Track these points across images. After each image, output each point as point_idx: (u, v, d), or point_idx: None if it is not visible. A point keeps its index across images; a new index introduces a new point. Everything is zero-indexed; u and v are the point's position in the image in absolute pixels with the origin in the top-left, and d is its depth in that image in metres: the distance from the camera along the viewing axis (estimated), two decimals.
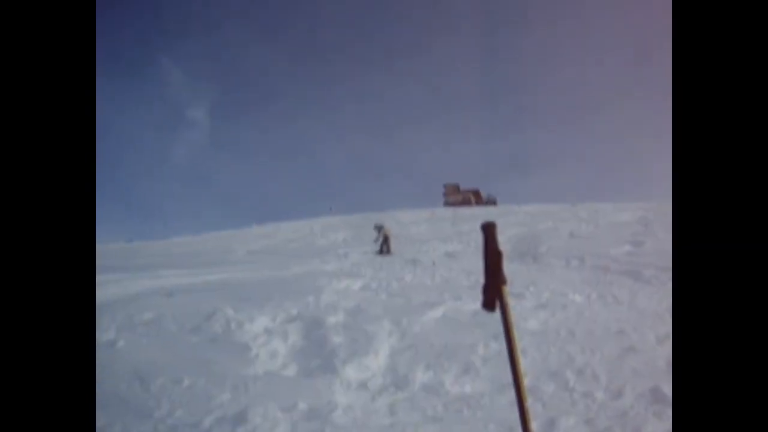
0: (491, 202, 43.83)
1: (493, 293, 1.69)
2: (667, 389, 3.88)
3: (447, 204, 41.84)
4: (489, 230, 1.71)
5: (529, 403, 4.07)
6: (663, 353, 4.65)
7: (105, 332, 5.45)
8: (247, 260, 14.46)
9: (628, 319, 5.73)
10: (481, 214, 27.31)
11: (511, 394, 4.23)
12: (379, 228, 15.88)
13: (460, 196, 43.66)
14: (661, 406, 3.71)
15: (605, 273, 9.30)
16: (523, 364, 4.80)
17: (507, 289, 1.71)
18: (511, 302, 6.17)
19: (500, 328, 5.78)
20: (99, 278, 6.54)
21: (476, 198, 44.59)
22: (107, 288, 7.88)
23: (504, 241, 13.04)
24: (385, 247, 15.32)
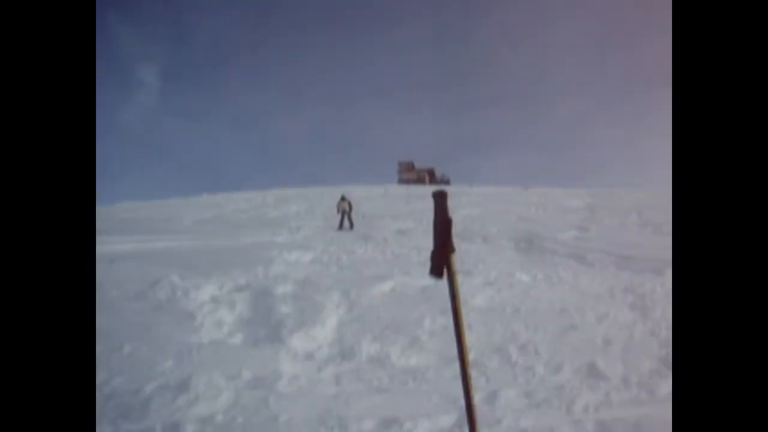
0: (445, 181, 44.24)
1: (441, 260, 1.69)
2: (602, 364, 4.04)
3: (401, 181, 42.01)
4: (440, 198, 1.71)
5: (474, 376, 4.19)
6: (601, 331, 4.84)
7: None
8: (196, 229, 14.12)
9: (571, 299, 5.91)
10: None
11: (456, 367, 4.32)
12: (342, 199, 15.42)
13: (414, 174, 43.89)
14: (595, 379, 3.87)
15: (552, 255, 9.57)
16: (469, 339, 4.91)
17: (455, 258, 1.72)
18: (459, 277, 6.26)
19: (447, 304, 5.87)
20: None
21: (430, 177, 44.91)
22: None
23: (457, 221, 13.24)
24: (347, 222, 14.81)
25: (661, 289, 6.25)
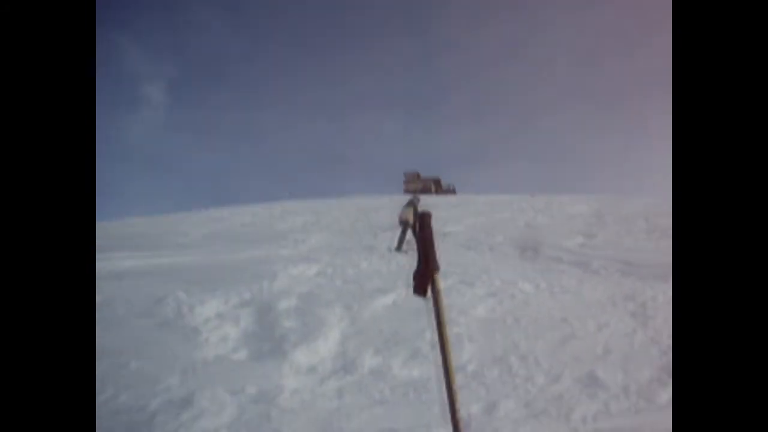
0: (451, 191, 44.26)
1: (425, 279, 1.76)
2: (602, 373, 4.08)
3: (407, 191, 42.06)
4: (424, 219, 1.78)
5: (473, 387, 4.23)
6: (601, 340, 4.87)
7: None
8: (202, 243, 14.24)
9: (572, 308, 5.94)
10: (440, 202, 27.56)
11: (456, 379, 4.36)
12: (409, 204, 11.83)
13: (420, 184, 43.92)
14: (594, 389, 3.90)
15: (557, 263, 9.58)
16: (469, 349, 4.94)
17: (439, 277, 1.78)
18: (462, 287, 6.26)
19: (448, 315, 5.89)
20: None
21: (436, 186, 44.95)
22: None
23: (462, 229, 13.13)
24: (411, 236, 11.14)
25: (662, 296, 6.25)
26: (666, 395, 3.77)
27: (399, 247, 11.54)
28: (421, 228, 1.80)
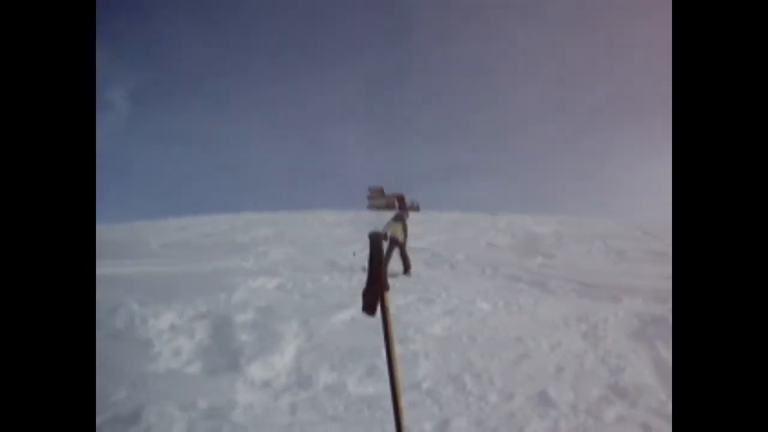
0: (414, 208, 44.45)
1: (373, 299, 1.78)
2: (553, 392, 4.16)
3: (371, 207, 42.09)
4: (375, 240, 1.81)
5: (427, 405, 4.25)
6: (554, 359, 4.97)
7: None
8: (161, 253, 13.94)
9: (528, 327, 6.05)
10: None
11: (410, 396, 4.37)
12: (395, 220, 10.72)
13: (384, 200, 44.01)
14: (545, 407, 3.97)
15: (516, 282, 9.73)
16: (425, 367, 4.96)
17: (388, 296, 1.81)
18: (420, 306, 6.29)
19: (405, 332, 5.93)
20: None
21: (400, 203, 45.07)
22: None
23: (424, 246, 13.14)
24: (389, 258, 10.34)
25: (613, 317, 6.44)
26: (612, 413, 3.88)
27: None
28: (371, 249, 1.83)
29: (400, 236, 10.33)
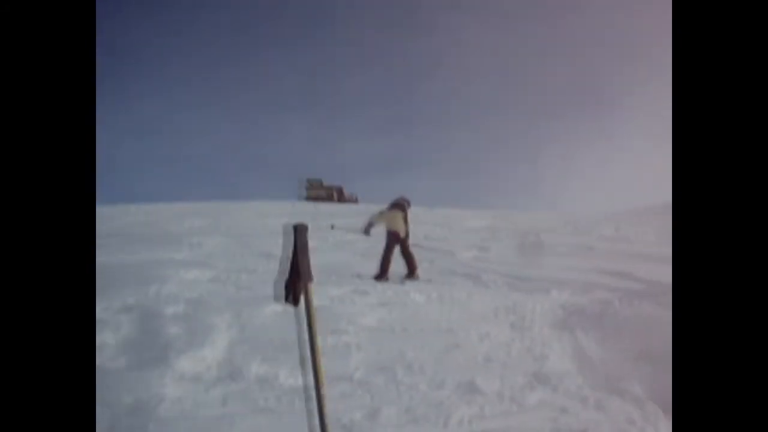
0: (352, 200, 44.56)
1: (297, 290, 1.81)
2: (480, 381, 4.31)
3: (309, 198, 41.86)
4: (300, 231, 1.83)
5: (359, 394, 4.30)
6: (482, 349, 5.15)
7: None
8: None
9: (459, 319, 6.22)
10: (342, 211, 27.72)
11: (342, 386, 4.42)
12: (400, 210, 9.28)
13: (323, 192, 43.83)
14: (472, 395, 4.12)
15: (451, 275, 9.97)
16: (357, 358, 5.02)
17: (312, 287, 1.84)
18: (355, 297, 6.34)
19: (338, 324, 5.96)
20: None
21: (339, 195, 45.06)
22: None
23: (363, 240, 13.04)
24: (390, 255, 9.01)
25: (540, 307, 6.72)
26: (534, 398, 4.07)
27: (380, 275, 8.78)
28: (296, 240, 1.85)
29: (400, 229, 8.97)
